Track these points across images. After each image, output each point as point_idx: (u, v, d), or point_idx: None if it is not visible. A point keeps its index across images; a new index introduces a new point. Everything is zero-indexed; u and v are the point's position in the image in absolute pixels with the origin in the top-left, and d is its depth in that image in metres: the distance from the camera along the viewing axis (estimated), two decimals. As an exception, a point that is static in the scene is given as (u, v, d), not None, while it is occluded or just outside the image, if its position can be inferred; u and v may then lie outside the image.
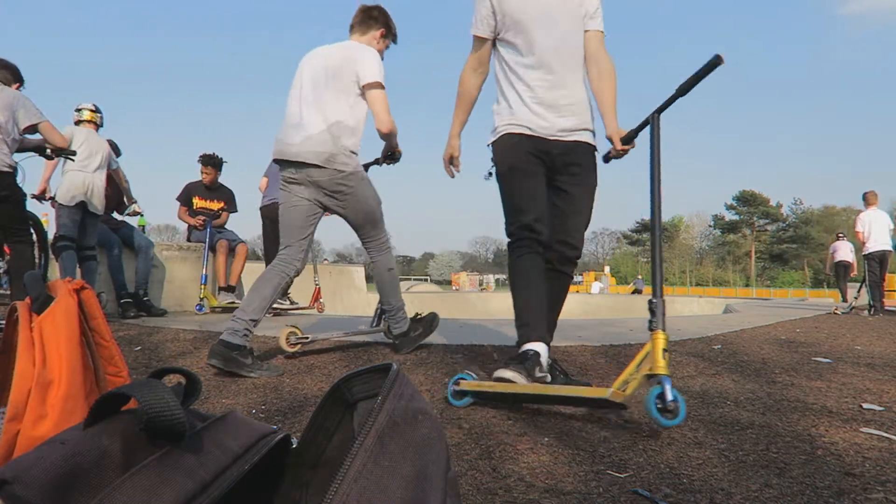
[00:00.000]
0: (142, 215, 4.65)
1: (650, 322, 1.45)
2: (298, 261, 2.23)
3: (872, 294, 6.27)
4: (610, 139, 1.84)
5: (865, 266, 6.66)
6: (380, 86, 2.19)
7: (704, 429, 1.46)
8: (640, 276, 35.28)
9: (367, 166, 2.57)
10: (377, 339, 2.79)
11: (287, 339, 2.37)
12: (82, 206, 3.53)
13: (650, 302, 1.49)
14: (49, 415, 0.76)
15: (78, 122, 3.75)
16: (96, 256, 3.68)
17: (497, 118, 1.92)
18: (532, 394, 1.53)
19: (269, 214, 4.20)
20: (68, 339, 0.82)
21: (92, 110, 3.81)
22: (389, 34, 2.42)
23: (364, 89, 2.19)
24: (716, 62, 1.44)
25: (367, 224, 2.35)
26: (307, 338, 2.43)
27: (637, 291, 24.48)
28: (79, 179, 3.51)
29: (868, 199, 6.77)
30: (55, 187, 3.61)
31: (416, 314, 2.60)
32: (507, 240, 1.88)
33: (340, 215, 2.32)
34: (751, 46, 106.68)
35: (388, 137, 2.35)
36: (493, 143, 1.92)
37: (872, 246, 6.54)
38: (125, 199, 4.20)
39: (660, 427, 1.38)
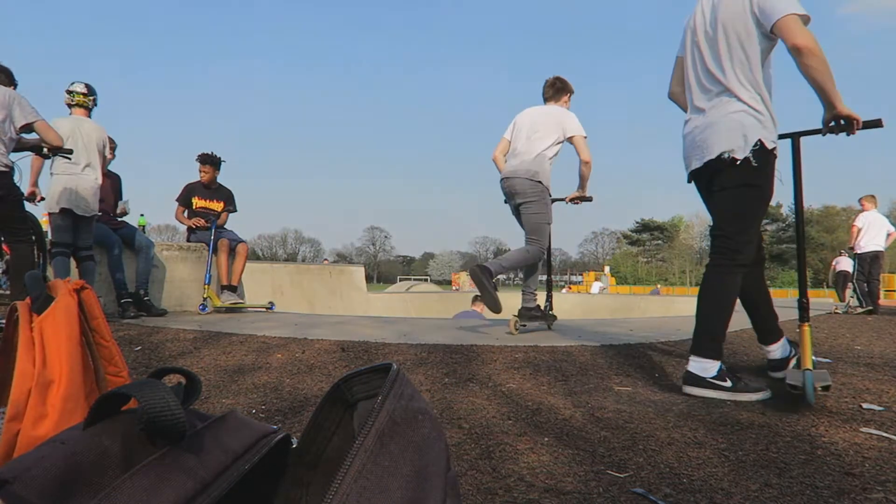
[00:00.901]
0: (139, 215, 4.64)
1: (801, 317, 1.84)
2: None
3: (861, 292, 6.39)
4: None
5: (856, 265, 6.74)
6: (583, 136, 3.21)
7: (704, 429, 1.46)
8: (658, 286, 38.15)
9: (556, 200, 3.40)
10: (376, 340, 2.79)
11: (514, 325, 3.18)
12: (69, 212, 3.41)
13: (800, 301, 1.86)
14: (49, 415, 0.76)
15: (70, 106, 3.58)
16: (94, 257, 3.63)
17: (769, 122, 1.83)
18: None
19: None
20: (68, 339, 0.82)
21: (84, 94, 3.59)
22: (572, 94, 3.42)
23: (572, 139, 3.20)
24: (876, 124, 1.73)
25: (535, 231, 3.21)
26: (524, 325, 3.26)
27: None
28: (60, 184, 3.38)
29: (865, 203, 6.85)
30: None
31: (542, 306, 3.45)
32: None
33: (522, 216, 3.25)
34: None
35: (588, 165, 3.25)
36: (773, 152, 1.83)
37: (866, 246, 6.64)
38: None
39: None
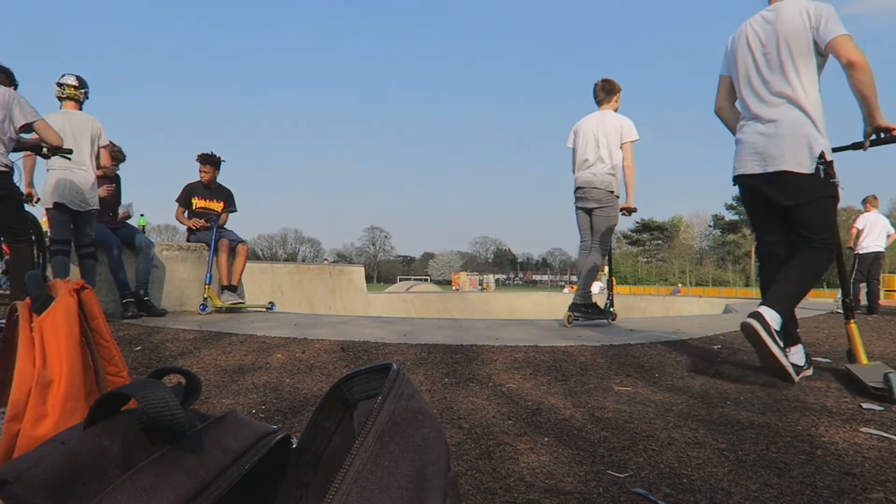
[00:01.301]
0: (139, 215, 4.63)
1: (846, 315, 2.13)
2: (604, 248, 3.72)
3: (856, 293, 6.42)
4: None
5: (856, 265, 6.75)
6: (633, 141, 3.59)
7: (704, 429, 1.46)
8: (678, 285, 39.48)
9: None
10: (376, 340, 2.79)
11: (568, 319, 3.63)
12: (64, 206, 3.38)
13: (843, 301, 2.17)
14: (49, 415, 0.76)
15: (60, 99, 3.53)
16: (95, 255, 3.60)
17: (825, 131, 2.02)
18: None
19: None
20: (68, 339, 0.82)
21: (75, 86, 3.52)
22: (620, 92, 3.77)
23: (625, 145, 3.57)
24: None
25: (603, 232, 3.64)
26: (578, 318, 3.66)
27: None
28: (53, 179, 3.36)
29: (868, 204, 6.87)
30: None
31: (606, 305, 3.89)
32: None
33: (593, 218, 3.67)
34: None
35: (630, 170, 3.61)
36: (832, 163, 2.02)
37: (868, 246, 6.67)
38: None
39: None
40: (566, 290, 26.31)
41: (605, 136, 3.55)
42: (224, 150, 4.69)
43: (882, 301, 6.88)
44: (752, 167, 2.10)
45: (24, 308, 0.82)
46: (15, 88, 3.10)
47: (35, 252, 3.33)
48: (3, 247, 3.46)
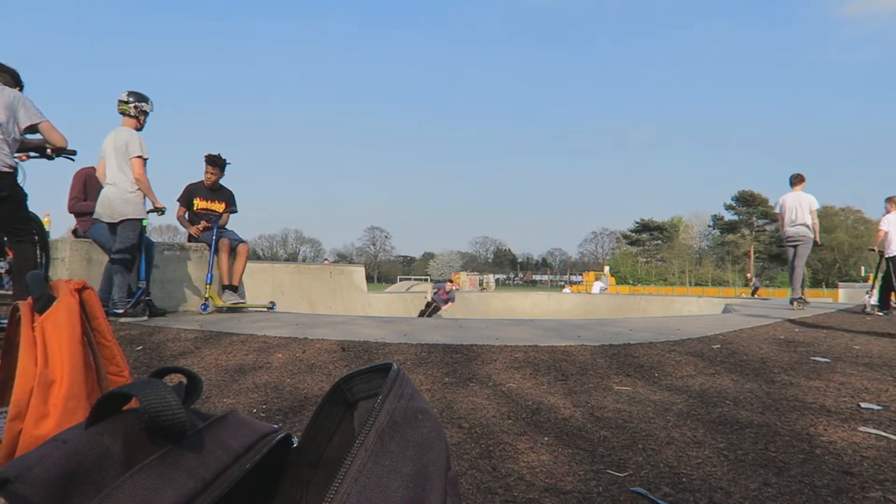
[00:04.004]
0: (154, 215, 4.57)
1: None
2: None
3: (883, 294, 6.33)
4: None
5: (889, 267, 6.60)
6: (816, 210, 5.98)
7: (704, 428, 1.46)
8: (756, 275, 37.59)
9: (783, 244, 6.14)
10: (376, 339, 2.80)
11: (796, 305, 5.85)
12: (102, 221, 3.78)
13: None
14: (51, 414, 0.77)
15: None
16: (122, 260, 3.68)
17: None
18: None
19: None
20: (70, 339, 0.82)
21: (124, 101, 3.82)
22: (805, 180, 6.12)
23: (813, 212, 5.96)
24: None
25: (803, 258, 5.84)
26: (801, 308, 5.75)
27: (756, 288, 24.13)
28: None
29: (890, 206, 6.76)
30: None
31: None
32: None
33: (797, 250, 5.94)
34: (749, 46, 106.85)
35: (817, 224, 6.02)
36: None
37: None
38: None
39: None
40: (566, 289, 26.24)
41: (802, 208, 5.86)
42: (224, 149, 4.69)
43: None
44: None
45: (26, 308, 0.83)
46: (21, 90, 3.11)
47: (38, 252, 3.34)
48: (6, 248, 3.48)
